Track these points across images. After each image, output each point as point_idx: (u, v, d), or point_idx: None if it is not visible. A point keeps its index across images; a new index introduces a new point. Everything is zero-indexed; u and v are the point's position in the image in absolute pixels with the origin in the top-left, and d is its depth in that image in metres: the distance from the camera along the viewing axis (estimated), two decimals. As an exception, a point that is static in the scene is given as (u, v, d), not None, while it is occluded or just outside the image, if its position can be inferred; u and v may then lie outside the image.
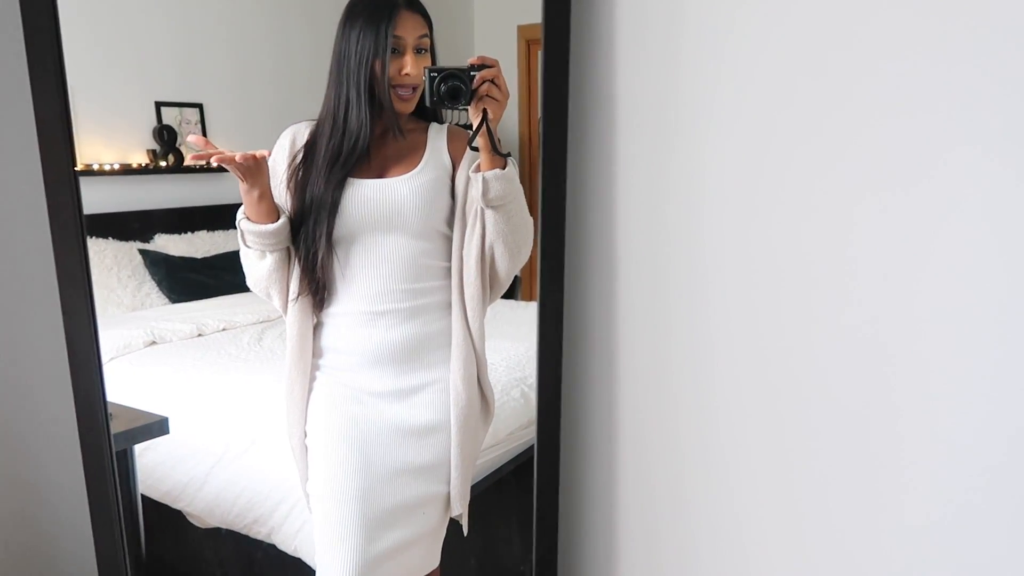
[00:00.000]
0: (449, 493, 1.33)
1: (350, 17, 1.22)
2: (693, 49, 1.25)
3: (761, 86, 1.21)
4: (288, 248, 1.28)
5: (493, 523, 1.65)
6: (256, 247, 1.26)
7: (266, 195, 1.22)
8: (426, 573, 1.34)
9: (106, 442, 1.36)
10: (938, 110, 1.10)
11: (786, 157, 1.21)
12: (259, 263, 1.28)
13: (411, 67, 1.21)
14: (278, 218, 1.24)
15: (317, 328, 1.33)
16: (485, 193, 1.19)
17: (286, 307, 1.30)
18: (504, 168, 1.19)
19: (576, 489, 1.49)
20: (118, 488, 1.37)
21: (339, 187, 1.23)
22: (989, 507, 1.15)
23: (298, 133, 1.31)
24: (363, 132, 1.22)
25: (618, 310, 1.38)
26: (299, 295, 1.28)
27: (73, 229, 1.32)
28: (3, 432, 1.59)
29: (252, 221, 1.23)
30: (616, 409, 1.41)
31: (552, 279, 1.33)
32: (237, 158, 1.14)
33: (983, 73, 1.06)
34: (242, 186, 1.20)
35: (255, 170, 1.18)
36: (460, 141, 1.31)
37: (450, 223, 1.30)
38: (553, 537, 1.45)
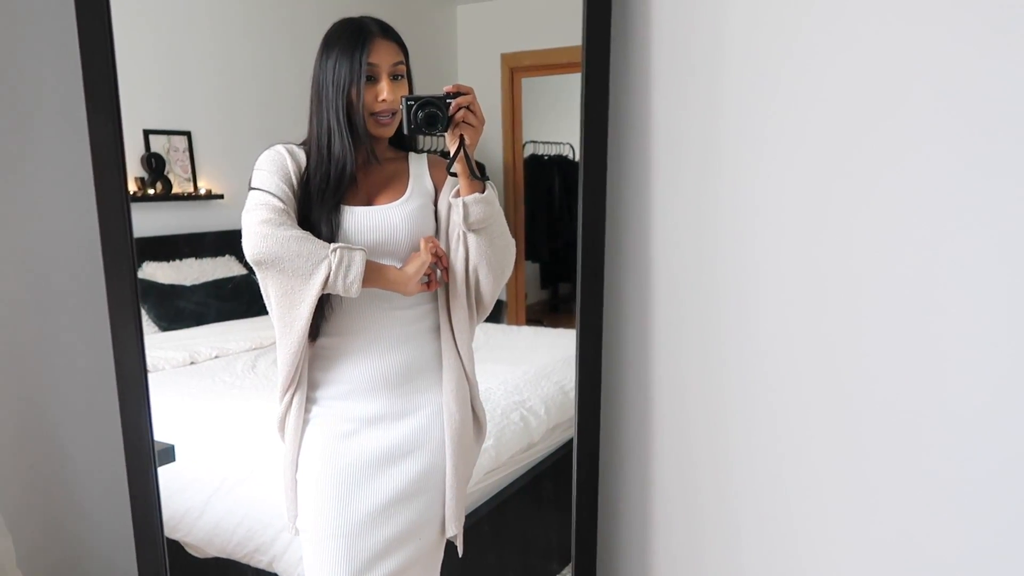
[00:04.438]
0: (444, 515, 1.34)
1: (327, 47, 1.24)
2: (732, 80, 1.34)
3: (799, 115, 1.29)
4: None
5: (497, 546, 1.67)
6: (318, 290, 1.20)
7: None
8: (423, 594, 1.36)
9: (152, 473, 1.40)
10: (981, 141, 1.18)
11: (823, 197, 1.30)
12: (314, 301, 1.20)
13: (387, 93, 1.23)
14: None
15: (309, 356, 1.32)
16: (466, 218, 1.23)
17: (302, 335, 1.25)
18: (483, 192, 1.23)
19: (613, 508, 1.54)
20: (162, 521, 1.40)
21: (335, 213, 1.25)
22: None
23: (294, 154, 1.27)
24: (348, 158, 1.24)
25: (654, 332, 1.45)
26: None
27: (125, 256, 1.36)
28: (49, 469, 1.64)
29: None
30: (651, 433, 1.48)
31: (591, 302, 1.40)
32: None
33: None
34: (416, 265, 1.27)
35: None
36: (441, 168, 1.34)
37: None
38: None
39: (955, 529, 1.27)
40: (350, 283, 1.19)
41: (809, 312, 1.33)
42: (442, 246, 1.30)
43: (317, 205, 1.25)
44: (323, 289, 1.18)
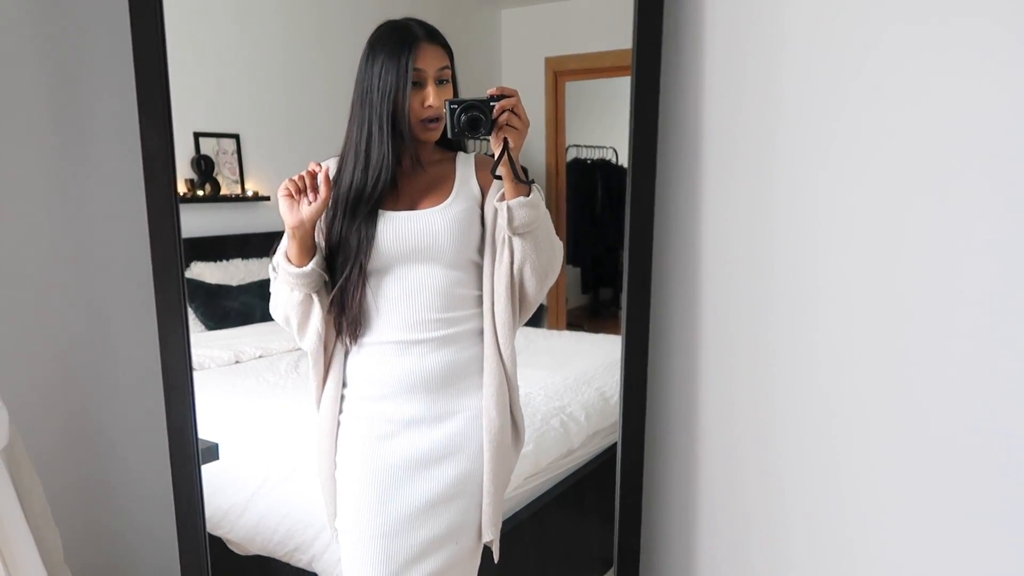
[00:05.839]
0: (481, 520, 1.33)
1: (372, 51, 1.24)
2: (792, 83, 1.32)
3: (866, 120, 1.26)
4: (317, 289, 1.28)
5: (534, 552, 1.66)
6: (286, 284, 1.27)
7: (296, 234, 1.22)
8: (461, 599, 1.35)
9: (196, 472, 1.42)
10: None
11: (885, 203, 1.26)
12: (289, 294, 1.28)
13: (433, 99, 1.23)
14: (310, 260, 1.24)
15: (348, 357, 1.34)
16: (511, 221, 1.21)
17: (313, 339, 1.30)
18: (528, 195, 1.21)
19: (657, 518, 1.53)
20: (204, 518, 1.43)
21: (369, 220, 1.25)
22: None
23: (328, 167, 1.29)
24: (385, 165, 1.23)
25: (702, 344, 1.43)
26: (331, 328, 1.29)
27: (173, 261, 1.39)
28: (95, 466, 1.69)
29: (287, 259, 1.24)
30: (697, 444, 1.47)
31: (638, 313, 1.39)
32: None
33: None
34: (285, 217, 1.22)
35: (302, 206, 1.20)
36: (488, 170, 1.31)
37: (482, 251, 1.31)
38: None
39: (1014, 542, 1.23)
40: (277, 259, 1.25)
41: (871, 327, 1.29)
42: (488, 249, 1.29)
43: (350, 211, 1.25)
44: (282, 280, 1.26)
